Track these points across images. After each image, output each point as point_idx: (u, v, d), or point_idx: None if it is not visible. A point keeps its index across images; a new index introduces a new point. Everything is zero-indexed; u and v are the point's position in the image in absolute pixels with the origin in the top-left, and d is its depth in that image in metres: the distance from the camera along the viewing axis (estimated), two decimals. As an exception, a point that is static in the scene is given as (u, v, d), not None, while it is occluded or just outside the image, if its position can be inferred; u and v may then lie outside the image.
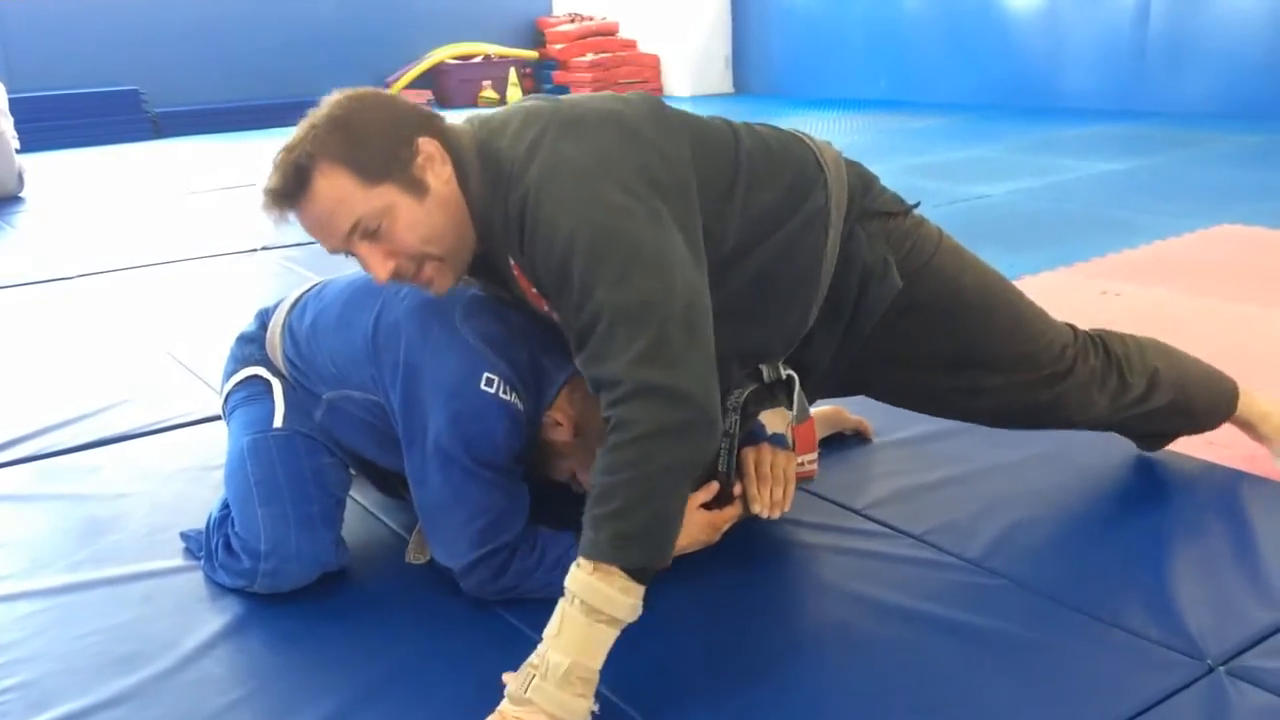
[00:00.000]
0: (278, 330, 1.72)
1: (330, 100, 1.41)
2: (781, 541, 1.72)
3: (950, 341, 1.66)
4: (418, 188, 1.38)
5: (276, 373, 1.73)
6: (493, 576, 1.52)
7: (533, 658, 1.27)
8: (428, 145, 1.39)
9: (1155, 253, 3.59)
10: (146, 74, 8.21)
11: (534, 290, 1.44)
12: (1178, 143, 5.81)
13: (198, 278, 3.69)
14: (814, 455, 1.75)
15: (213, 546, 1.66)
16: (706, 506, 1.62)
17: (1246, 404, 1.87)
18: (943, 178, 5.02)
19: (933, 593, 1.58)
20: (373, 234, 1.38)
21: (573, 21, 9.92)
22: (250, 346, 1.77)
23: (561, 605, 1.27)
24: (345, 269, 1.69)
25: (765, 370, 1.66)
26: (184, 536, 1.78)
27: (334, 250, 1.43)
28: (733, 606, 1.57)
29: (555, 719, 1.24)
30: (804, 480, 1.76)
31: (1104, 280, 3.25)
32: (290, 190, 1.37)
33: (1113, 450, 1.97)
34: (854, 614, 1.53)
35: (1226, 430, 1.90)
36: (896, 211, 1.64)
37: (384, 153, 1.37)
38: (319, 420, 1.67)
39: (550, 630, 1.27)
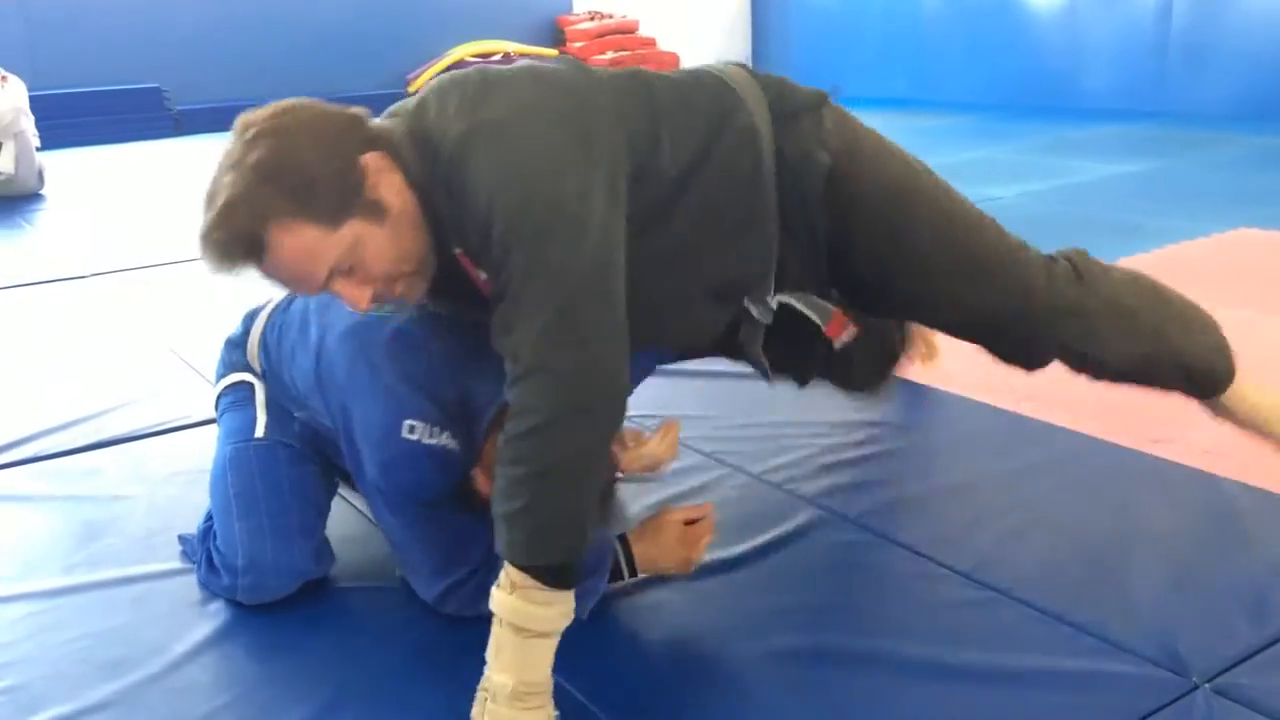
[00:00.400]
0: (256, 340, 1.73)
1: (252, 135, 1.27)
2: (769, 547, 1.72)
3: (883, 242, 1.58)
4: (377, 211, 1.29)
5: (260, 378, 1.73)
6: (468, 603, 1.51)
7: (483, 681, 1.27)
8: (373, 160, 1.30)
9: (1165, 258, 3.56)
10: (169, 71, 8.27)
11: (483, 278, 1.36)
12: (1195, 144, 5.75)
13: (208, 277, 3.69)
14: (853, 330, 1.64)
15: (200, 557, 1.68)
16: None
17: (1240, 386, 1.76)
18: (953, 179, 4.91)
19: (922, 604, 1.57)
20: (347, 271, 1.31)
21: (593, 19, 9.92)
22: (236, 352, 1.78)
23: (494, 627, 1.26)
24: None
25: (756, 310, 1.57)
26: (182, 539, 1.79)
27: (308, 294, 1.39)
28: (714, 613, 1.57)
29: None
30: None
31: (1113, 285, 3.22)
32: (243, 255, 1.28)
33: (1105, 461, 1.96)
34: (839, 624, 1.52)
35: (1222, 439, 1.88)
36: (816, 105, 1.56)
37: (336, 188, 1.27)
38: (299, 429, 1.68)
39: (489, 653, 1.26)
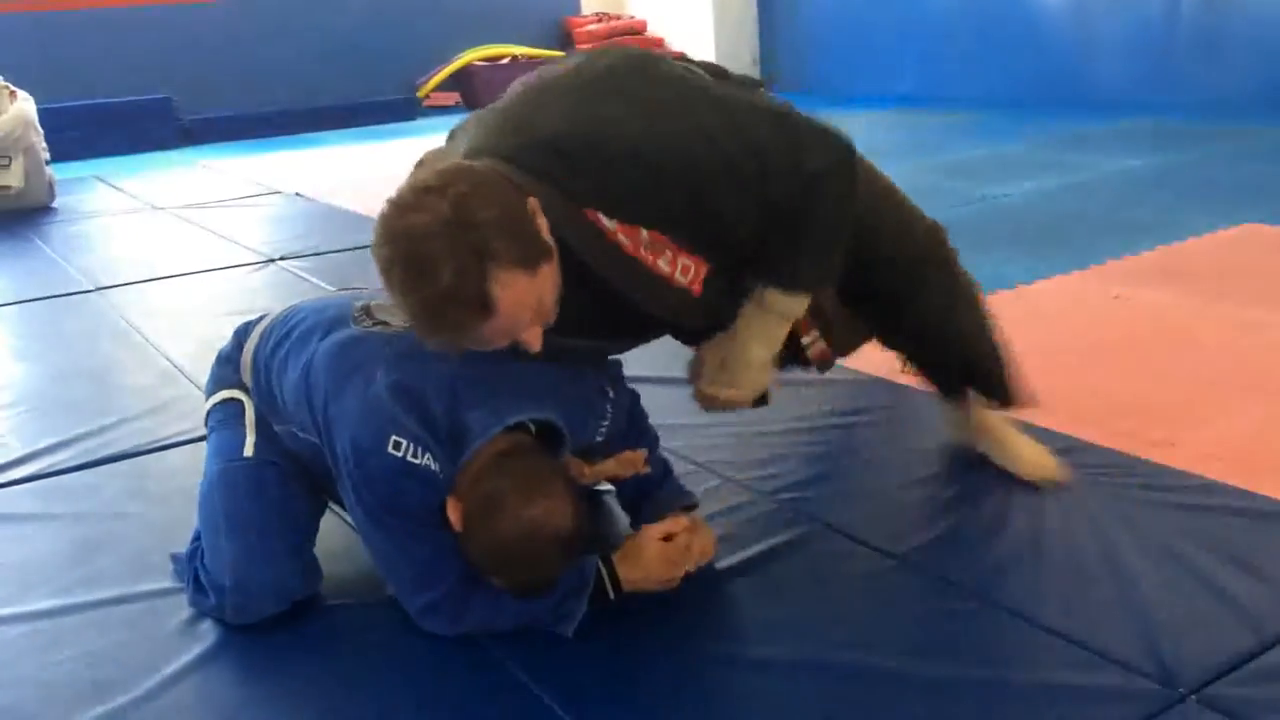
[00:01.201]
0: (249, 355, 1.73)
1: (451, 197, 1.29)
2: (757, 560, 1.71)
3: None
4: (550, 251, 1.37)
5: (250, 394, 1.74)
6: (450, 621, 1.52)
7: (720, 356, 1.63)
8: (533, 204, 1.37)
9: (1175, 254, 3.53)
10: (178, 82, 8.32)
11: (636, 239, 1.47)
12: (1208, 138, 5.70)
13: (212, 290, 3.73)
14: (816, 334, 1.79)
15: (188, 577, 1.68)
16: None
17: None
18: (963, 176, 4.96)
19: (907, 615, 1.57)
20: (534, 316, 1.38)
21: (600, 21, 9.93)
22: (227, 368, 1.79)
23: (750, 321, 1.60)
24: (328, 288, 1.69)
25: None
26: (174, 559, 1.80)
27: (500, 346, 1.41)
28: (696, 626, 1.56)
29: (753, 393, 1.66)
30: (822, 362, 1.83)
31: (1118, 284, 3.20)
32: (476, 315, 1.31)
33: (1100, 466, 1.95)
34: (822, 636, 1.51)
35: (1225, 444, 1.86)
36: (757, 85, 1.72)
37: (530, 235, 1.34)
38: (288, 447, 1.68)
39: (744, 334, 1.60)
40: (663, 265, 1.50)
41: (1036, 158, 5.43)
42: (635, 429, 1.76)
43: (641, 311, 1.53)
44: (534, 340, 1.40)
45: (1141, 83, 7.03)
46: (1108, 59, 7.25)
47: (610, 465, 1.65)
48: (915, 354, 1.95)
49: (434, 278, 1.28)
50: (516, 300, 1.33)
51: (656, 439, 1.81)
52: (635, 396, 1.79)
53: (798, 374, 2.37)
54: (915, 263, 1.77)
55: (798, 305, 1.61)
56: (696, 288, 1.54)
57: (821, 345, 1.79)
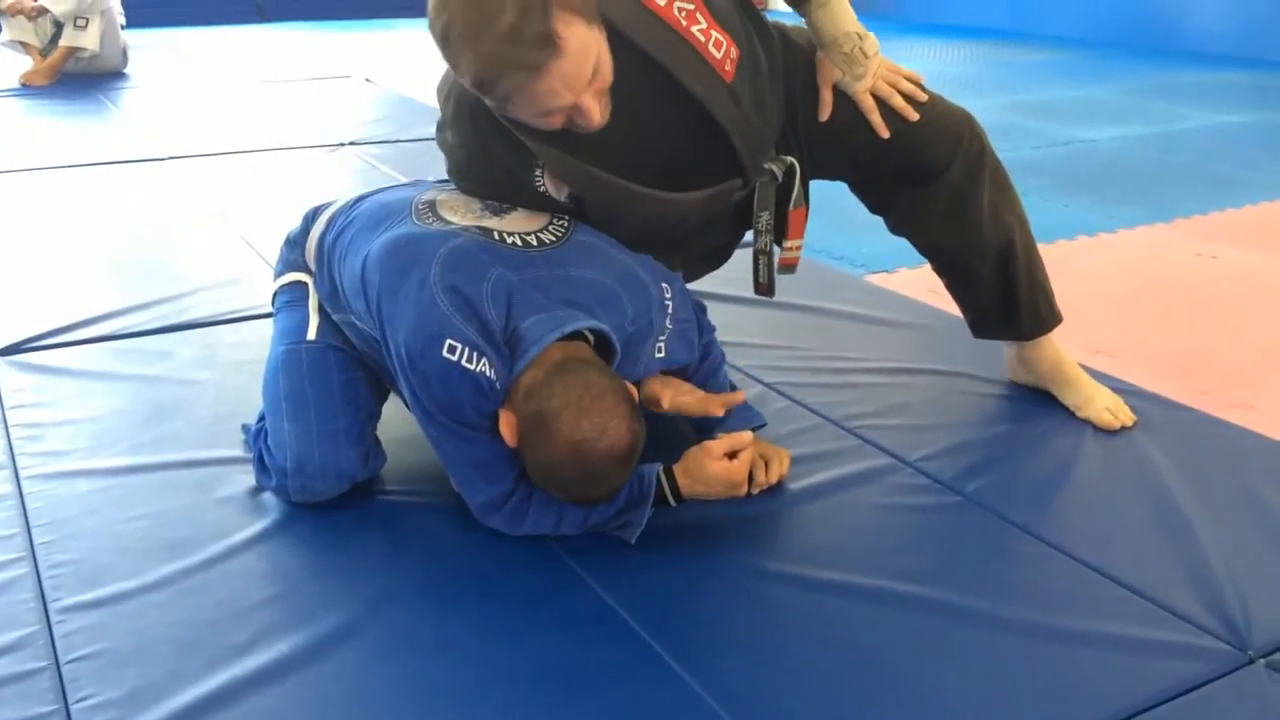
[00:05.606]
0: (314, 240, 1.72)
1: None
2: (826, 487, 1.71)
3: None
4: (600, 20, 1.38)
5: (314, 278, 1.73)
6: (510, 521, 1.52)
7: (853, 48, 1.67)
8: None
9: (1262, 214, 3.43)
10: (254, -44, 8.24)
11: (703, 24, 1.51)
12: (1307, 97, 5.50)
13: (284, 169, 3.73)
14: (800, 243, 1.81)
15: (254, 455, 1.70)
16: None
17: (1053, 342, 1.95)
18: (1044, 118, 4.82)
19: (975, 554, 1.55)
20: (593, 77, 1.39)
21: None
22: (294, 251, 1.77)
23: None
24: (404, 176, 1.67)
25: (774, 168, 1.70)
26: (246, 429, 1.82)
27: (557, 112, 1.41)
28: (757, 545, 1.56)
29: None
30: (786, 268, 1.83)
31: (1201, 240, 3.12)
32: (539, 54, 1.32)
33: (1178, 424, 1.91)
34: (885, 567, 1.50)
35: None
36: None
37: None
38: (348, 336, 1.66)
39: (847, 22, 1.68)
40: (697, 34, 1.50)
41: (1124, 104, 5.27)
42: (703, 342, 1.73)
43: (682, 100, 1.52)
44: (593, 110, 1.41)
45: (1241, 36, 6.77)
46: (1206, 7, 6.98)
47: (694, 401, 1.63)
48: (963, 255, 1.88)
49: (497, 18, 1.29)
50: (580, 44, 1.34)
51: (723, 358, 1.79)
52: (701, 307, 1.76)
53: (869, 311, 2.38)
54: (977, 157, 1.80)
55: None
56: (729, 69, 1.54)
57: (797, 255, 1.82)
